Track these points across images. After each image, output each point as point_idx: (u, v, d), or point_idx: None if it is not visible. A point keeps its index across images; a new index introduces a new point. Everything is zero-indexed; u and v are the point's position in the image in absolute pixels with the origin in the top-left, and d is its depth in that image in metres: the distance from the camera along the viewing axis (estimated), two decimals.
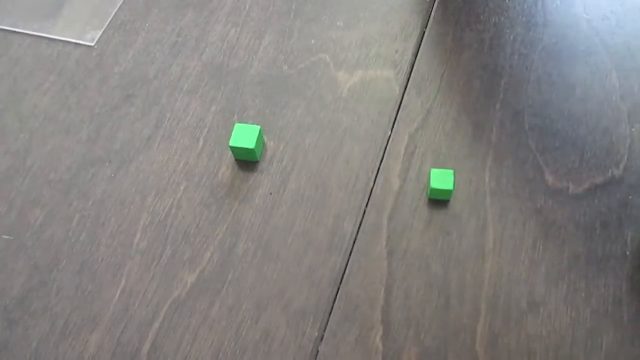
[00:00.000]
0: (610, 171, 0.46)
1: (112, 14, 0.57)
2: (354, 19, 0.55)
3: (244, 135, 0.46)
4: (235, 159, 0.48)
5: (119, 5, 0.58)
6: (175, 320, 0.41)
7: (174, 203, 0.46)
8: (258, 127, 0.46)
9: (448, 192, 0.43)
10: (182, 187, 0.47)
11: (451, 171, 0.44)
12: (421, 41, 0.53)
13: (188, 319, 0.41)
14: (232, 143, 0.46)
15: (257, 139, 0.46)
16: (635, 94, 0.49)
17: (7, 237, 0.45)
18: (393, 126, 0.48)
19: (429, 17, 0.55)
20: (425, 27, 0.54)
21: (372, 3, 0.56)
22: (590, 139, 0.47)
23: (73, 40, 0.56)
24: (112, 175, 0.48)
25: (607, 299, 0.41)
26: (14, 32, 0.57)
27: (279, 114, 0.50)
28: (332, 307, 0.41)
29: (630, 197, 0.44)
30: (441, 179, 0.43)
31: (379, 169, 0.46)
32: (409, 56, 0.52)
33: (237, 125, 0.47)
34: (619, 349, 0.39)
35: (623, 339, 0.39)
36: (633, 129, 0.47)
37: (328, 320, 0.41)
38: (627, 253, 0.42)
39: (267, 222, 0.45)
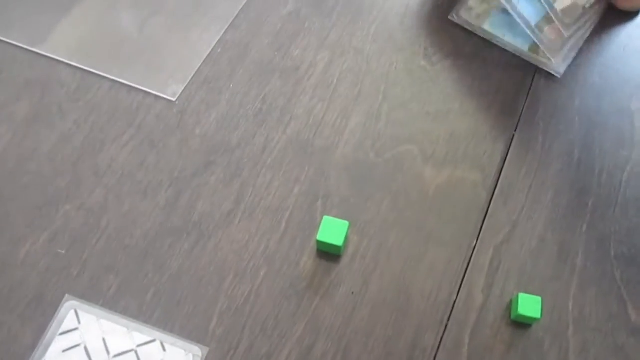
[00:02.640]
0: None
1: (196, 69, 0.56)
2: (443, 110, 0.54)
3: (332, 230, 0.45)
4: (318, 249, 0.47)
5: (203, 59, 0.57)
6: None
7: (253, 289, 0.45)
8: (347, 223, 0.46)
9: (534, 320, 0.43)
10: (262, 273, 0.46)
11: (539, 298, 0.43)
12: (510, 145, 0.53)
13: None
14: (320, 237, 0.45)
15: (345, 235, 0.45)
16: None
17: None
18: (479, 236, 0.48)
19: (519, 119, 0.54)
20: (515, 130, 0.53)
21: (463, 95, 0.55)
22: None
23: (154, 92, 0.55)
24: (190, 249, 0.47)
25: None
26: (93, 73, 0.56)
27: (364, 206, 0.49)
28: None
29: None
30: (529, 305, 0.43)
31: (462, 281, 0.46)
32: (497, 160, 0.52)
33: (326, 219, 0.46)
34: None
35: None
36: None
37: None
38: None
39: (348, 324, 0.44)
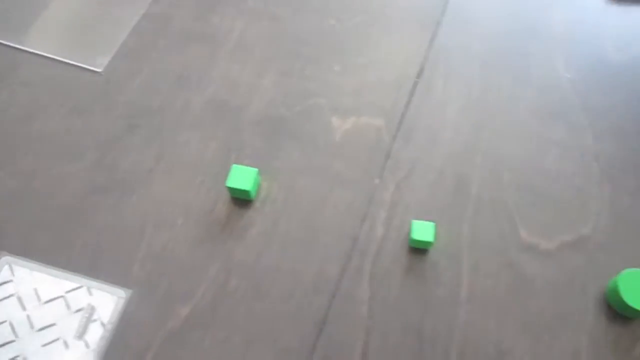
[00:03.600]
0: (580, 229, 0.49)
1: (121, 41, 0.60)
2: (351, 64, 0.58)
3: (241, 176, 0.49)
4: (232, 197, 0.51)
5: (128, 32, 0.60)
6: (168, 351, 0.44)
7: (172, 237, 0.49)
8: (255, 170, 0.49)
9: (429, 244, 0.47)
10: (179, 222, 0.50)
11: (432, 224, 0.47)
12: (413, 91, 0.56)
13: (180, 350, 0.45)
14: (229, 183, 0.49)
15: (254, 181, 0.49)
16: (608, 154, 0.53)
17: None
18: (381, 174, 0.51)
19: (422, 66, 0.58)
20: (418, 77, 0.57)
21: (369, 49, 0.59)
22: (564, 197, 0.50)
23: (82, 65, 0.58)
24: (114, 204, 0.51)
25: (568, 351, 0.44)
26: (22, 50, 0.59)
27: (275, 155, 0.53)
28: (315, 346, 0.45)
29: (596, 256, 0.48)
30: (422, 230, 0.47)
31: (365, 216, 0.50)
32: (400, 106, 0.55)
33: (235, 167, 0.49)
34: None
35: None
36: (604, 189, 0.51)
37: (311, 359, 0.44)
38: (589, 309, 0.46)
39: (258, 261, 0.48)
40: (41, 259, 0.48)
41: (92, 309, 0.46)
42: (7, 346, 0.45)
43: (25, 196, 0.51)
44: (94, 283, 0.47)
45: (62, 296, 0.47)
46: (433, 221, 0.49)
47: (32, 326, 0.46)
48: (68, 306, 0.46)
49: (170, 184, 0.51)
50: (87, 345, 0.45)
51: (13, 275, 0.48)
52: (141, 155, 0.53)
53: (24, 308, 0.46)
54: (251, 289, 0.47)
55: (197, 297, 0.46)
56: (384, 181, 0.51)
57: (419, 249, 0.48)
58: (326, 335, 0.45)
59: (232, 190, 0.49)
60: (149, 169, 0.52)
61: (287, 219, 0.50)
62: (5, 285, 0.47)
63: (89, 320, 0.46)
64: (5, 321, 0.46)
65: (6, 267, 0.48)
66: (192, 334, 0.45)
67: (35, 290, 0.47)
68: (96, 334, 0.45)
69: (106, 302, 0.47)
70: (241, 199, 0.50)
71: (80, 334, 0.45)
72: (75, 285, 0.47)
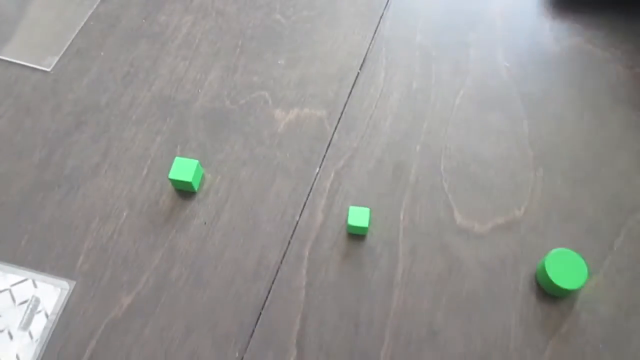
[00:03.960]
0: (512, 213, 0.51)
1: (70, 40, 0.61)
2: (294, 58, 0.59)
3: (183, 169, 0.50)
4: (175, 189, 0.52)
5: (76, 31, 0.61)
6: (111, 339, 0.46)
7: (116, 229, 0.50)
8: (196, 162, 0.50)
9: (364, 229, 0.48)
10: (124, 214, 0.51)
11: (367, 209, 0.48)
12: (355, 82, 0.57)
13: (122, 337, 0.46)
14: (171, 175, 0.50)
15: (195, 172, 0.50)
16: (543, 140, 0.54)
17: None
18: (322, 163, 0.53)
19: (364, 58, 0.59)
20: (360, 69, 0.58)
21: (313, 42, 0.60)
22: (498, 182, 0.52)
23: (31, 65, 0.59)
24: (61, 199, 0.52)
25: (498, 328, 0.46)
26: None
27: (219, 147, 0.54)
28: (254, 331, 0.46)
29: (527, 237, 0.49)
30: (358, 216, 0.48)
31: (305, 203, 0.51)
32: (342, 97, 0.56)
33: (177, 159, 0.51)
34: None
35: None
36: (538, 173, 0.52)
37: (249, 343, 0.45)
38: (519, 289, 0.47)
39: (200, 250, 0.49)
40: None
41: (36, 301, 0.47)
42: None
43: None
44: (39, 276, 0.48)
45: (7, 289, 0.48)
46: (371, 207, 0.50)
47: None
48: (13, 299, 0.47)
49: (116, 178, 0.53)
50: (31, 336, 0.46)
51: None
52: (88, 151, 0.54)
53: None
54: (193, 278, 0.48)
55: (140, 286, 0.48)
56: (324, 170, 0.52)
57: (356, 235, 0.49)
58: (264, 321, 0.46)
59: (175, 182, 0.50)
60: (96, 164, 0.53)
61: (230, 208, 0.51)
62: None
63: (33, 311, 0.47)
64: None
65: None
66: (134, 323, 0.46)
67: None
68: (40, 325, 0.46)
69: (50, 293, 0.48)
70: (185, 191, 0.52)
71: (25, 325, 0.46)
72: (20, 278, 0.48)
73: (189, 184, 0.50)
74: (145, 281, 0.48)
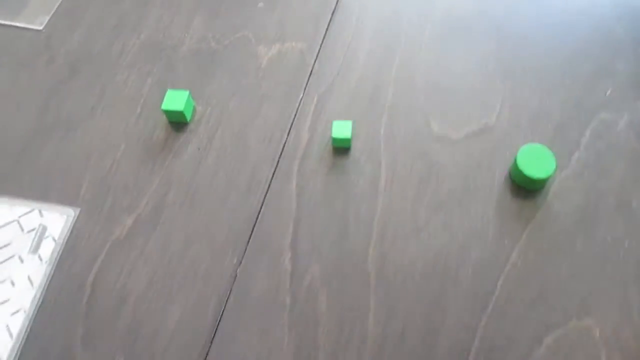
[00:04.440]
0: (484, 120, 0.54)
1: (59, 1, 0.64)
2: (273, 0, 0.63)
3: (175, 100, 0.53)
4: (169, 122, 0.55)
5: None
6: (115, 255, 0.48)
7: (115, 161, 0.53)
8: (187, 92, 0.54)
9: (347, 140, 0.51)
10: (122, 148, 0.54)
11: (349, 122, 0.52)
12: (332, 16, 0.61)
13: (127, 254, 0.48)
14: (164, 107, 0.53)
15: (186, 102, 0.53)
16: (508, 56, 0.58)
17: None
18: (305, 89, 0.56)
19: None
20: (336, 4, 0.62)
21: None
22: (470, 95, 0.56)
23: (23, 25, 0.63)
24: (60, 140, 0.55)
25: (477, 221, 0.49)
26: None
27: (207, 83, 0.57)
28: (250, 239, 0.49)
29: (499, 141, 0.53)
30: (341, 128, 0.51)
31: (291, 125, 0.54)
32: (321, 30, 0.60)
33: (169, 92, 0.54)
34: (484, 260, 0.47)
35: (488, 252, 0.48)
36: (507, 85, 0.56)
37: (246, 250, 0.48)
38: (495, 185, 0.51)
39: (195, 172, 0.52)
40: None
41: (43, 228, 0.50)
42: None
43: None
44: (44, 205, 0.51)
45: (15, 220, 0.51)
46: (353, 124, 0.54)
47: None
48: (21, 228, 0.50)
49: (111, 118, 0.56)
50: (40, 259, 0.49)
51: None
52: (84, 96, 0.57)
53: None
54: (190, 198, 0.51)
55: (140, 209, 0.50)
56: (307, 95, 0.56)
57: (341, 149, 0.53)
58: (259, 229, 0.49)
59: (168, 113, 0.53)
60: (92, 107, 0.56)
61: (221, 135, 0.54)
62: None
63: (41, 237, 0.50)
64: None
65: None
66: (136, 241, 0.49)
67: None
68: (48, 249, 0.49)
69: (56, 220, 0.50)
70: (178, 123, 0.55)
71: (34, 250, 0.49)
72: (27, 209, 0.51)
73: (181, 113, 0.53)
74: (145, 204, 0.51)
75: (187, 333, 0.45)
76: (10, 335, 0.46)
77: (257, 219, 0.50)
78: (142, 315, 0.46)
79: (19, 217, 0.51)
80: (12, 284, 0.48)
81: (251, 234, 0.49)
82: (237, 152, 0.53)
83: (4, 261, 0.49)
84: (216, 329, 0.45)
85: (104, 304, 0.47)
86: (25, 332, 0.46)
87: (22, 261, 0.49)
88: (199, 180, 0.52)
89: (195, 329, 0.45)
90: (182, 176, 0.52)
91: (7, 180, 0.52)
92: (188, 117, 0.54)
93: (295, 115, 0.55)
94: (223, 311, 0.46)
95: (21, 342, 0.46)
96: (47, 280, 0.48)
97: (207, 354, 0.44)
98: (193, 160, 0.53)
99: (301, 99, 0.56)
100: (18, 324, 0.46)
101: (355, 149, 0.53)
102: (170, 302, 0.47)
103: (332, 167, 0.52)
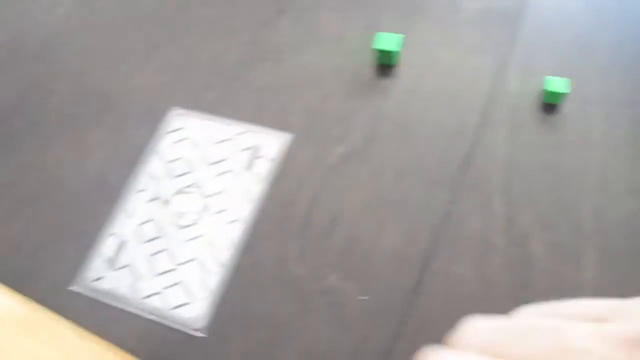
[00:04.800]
0: None
1: None
2: None
3: (387, 41, 0.55)
4: (377, 63, 0.56)
5: None
6: (329, 180, 0.50)
7: (324, 93, 0.55)
8: (400, 35, 0.55)
9: (561, 96, 0.51)
10: (330, 82, 0.56)
11: (566, 79, 0.51)
12: None
13: (339, 179, 0.50)
14: (377, 46, 0.55)
15: (398, 44, 0.55)
16: None
17: None
18: (513, 42, 0.56)
19: None
20: None
21: None
22: None
23: None
24: (269, 70, 0.57)
25: None
26: None
27: (413, 29, 0.58)
28: (460, 179, 0.50)
29: None
30: (555, 84, 0.51)
31: (499, 76, 0.55)
32: None
33: (380, 34, 0.55)
34: None
35: None
36: None
37: (456, 190, 0.49)
38: None
39: (404, 112, 0.54)
40: (210, 112, 0.55)
41: (258, 148, 0.53)
42: (184, 176, 0.52)
43: (190, 64, 0.58)
44: (258, 128, 0.54)
45: (230, 138, 0.54)
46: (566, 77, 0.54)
47: (205, 161, 0.52)
48: (237, 146, 0.53)
49: (318, 54, 0.58)
50: (255, 175, 0.51)
51: (185, 123, 0.55)
52: (290, 33, 0.60)
53: (197, 148, 0.53)
54: (399, 134, 0.52)
55: (350, 139, 0.52)
56: (515, 48, 0.56)
57: (551, 105, 0.53)
58: (470, 172, 0.50)
59: (380, 53, 0.55)
60: (299, 42, 0.59)
61: (428, 80, 0.55)
62: (178, 132, 0.54)
63: (255, 156, 0.52)
64: (181, 157, 0.53)
65: (177, 117, 0.55)
66: (348, 168, 0.51)
67: (206, 134, 0.54)
68: (263, 168, 0.52)
69: (271, 142, 0.53)
70: (384, 65, 0.56)
71: (249, 166, 0.52)
72: (241, 130, 0.54)
73: (392, 54, 0.55)
74: (355, 136, 0.53)
75: (399, 260, 0.47)
76: (230, 241, 0.49)
77: (467, 162, 0.51)
78: (356, 237, 0.48)
79: (235, 135, 0.54)
80: (229, 195, 0.51)
81: (461, 175, 0.50)
82: (445, 98, 0.54)
83: (220, 174, 0.52)
84: (429, 259, 0.47)
85: (319, 223, 0.49)
86: (243, 241, 0.49)
87: (237, 176, 0.52)
88: (407, 119, 0.53)
89: (407, 257, 0.47)
90: (391, 114, 0.54)
91: (220, 102, 0.55)
92: (396, 59, 0.56)
93: (503, 66, 0.55)
94: (436, 243, 0.47)
95: (239, 249, 0.48)
96: (262, 196, 0.50)
97: (419, 282, 0.46)
98: (401, 100, 0.54)
99: (509, 52, 0.56)
100: (236, 232, 0.49)
101: (566, 105, 0.53)
102: (382, 227, 0.48)
103: (542, 121, 0.52)
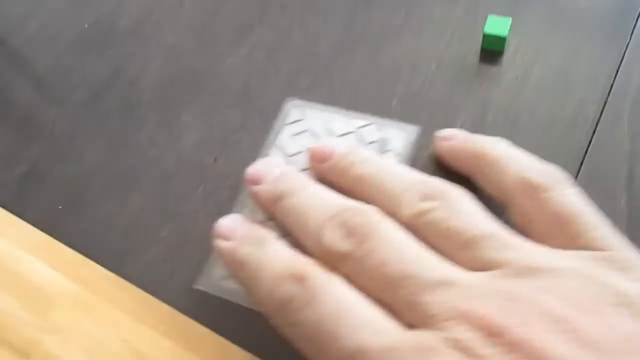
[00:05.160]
0: None
1: None
2: None
3: (497, 25, 0.52)
4: (482, 48, 0.53)
5: None
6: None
7: (427, 79, 0.53)
8: (509, 19, 0.52)
9: None
10: (433, 67, 0.53)
11: None
12: None
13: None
14: (486, 30, 0.52)
15: (509, 29, 0.52)
16: None
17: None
18: (632, 32, 0.53)
19: None
20: None
21: None
22: None
23: None
24: (366, 55, 0.55)
25: None
26: None
27: (522, 16, 0.55)
28: (578, 172, 0.46)
29: None
30: None
31: (619, 66, 0.51)
32: None
33: (490, 17, 0.52)
34: None
35: None
36: None
37: (575, 182, 0.46)
38: None
39: (514, 100, 0.50)
40: (327, 103, 0.51)
41: (384, 141, 0.49)
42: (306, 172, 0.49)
43: (286, 47, 0.57)
44: (383, 121, 0.50)
45: (353, 132, 0.50)
46: None
47: None
48: (361, 139, 0.49)
49: (420, 37, 0.55)
50: None
51: (303, 115, 0.52)
52: (390, 14, 0.57)
53: (318, 140, 0.50)
54: (509, 123, 0.49)
55: (457, 126, 0.49)
56: (635, 38, 0.52)
57: None
58: (589, 166, 0.46)
59: (487, 38, 0.52)
60: (399, 25, 0.56)
61: (539, 69, 0.52)
62: (297, 124, 0.51)
63: (382, 149, 0.48)
64: (302, 151, 0.49)
65: (295, 108, 0.53)
66: None
67: (327, 126, 0.50)
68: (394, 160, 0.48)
69: (397, 136, 0.49)
70: (491, 51, 0.53)
71: None
72: (365, 122, 0.50)
73: (502, 39, 0.51)
74: (461, 123, 0.50)
75: None
76: None
77: (585, 154, 0.47)
78: None
79: (357, 128, 0.50)
80: None
81: (580, 168, 0.46)
82: (558, 87, 0.51)
83: None
84: None
85: None
86: None
87: None
88: (518, 107, 0.50)
89: None
90: (499, 102, 0.50)
91: (342, 94, 0.53)
92: (506, 45, 0.52)
93: (623, 57, 0.51)
94: None
95: None
96: None
97: None
98: (511, 88, 0.51)
99: (628, 43, 0.52)
100: None
101: None
102: None
103: None
